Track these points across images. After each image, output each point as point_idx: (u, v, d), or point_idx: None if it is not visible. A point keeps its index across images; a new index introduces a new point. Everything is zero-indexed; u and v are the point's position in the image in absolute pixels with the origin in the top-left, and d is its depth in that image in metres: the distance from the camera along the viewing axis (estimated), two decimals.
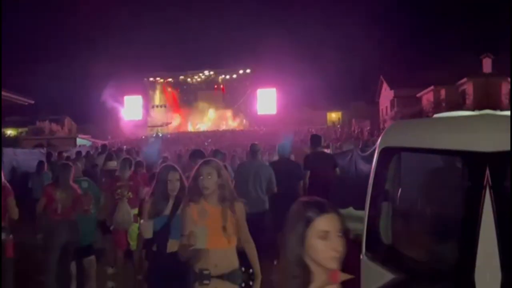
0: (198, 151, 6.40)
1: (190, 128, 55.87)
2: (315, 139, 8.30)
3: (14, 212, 5.84)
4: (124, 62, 45.49)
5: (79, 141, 36.93)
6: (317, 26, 49.51)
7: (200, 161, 3.85)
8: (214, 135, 44.19)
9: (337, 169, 8.01)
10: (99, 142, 30.71)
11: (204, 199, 3.62)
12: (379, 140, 3.32)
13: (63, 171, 6.50)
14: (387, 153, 3.12)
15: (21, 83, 46.48)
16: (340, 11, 49.45)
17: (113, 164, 8.17)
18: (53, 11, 47.50)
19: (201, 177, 3.60)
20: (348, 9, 49.13)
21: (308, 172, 7.65)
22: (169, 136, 45.79)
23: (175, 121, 56.33)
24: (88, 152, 14.45)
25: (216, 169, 3.65)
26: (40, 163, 11.58)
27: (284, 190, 7.14)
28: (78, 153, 13.93)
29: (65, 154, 14.00)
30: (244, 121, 56.21)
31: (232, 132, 47.12)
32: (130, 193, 6.88)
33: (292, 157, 9.04)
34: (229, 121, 56.12)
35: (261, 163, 7.71)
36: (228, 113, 56.48)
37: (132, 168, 7.20)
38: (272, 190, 7.20)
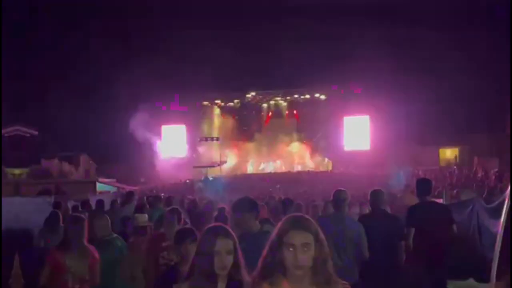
0: (244, 201, 5.77)
1: (251, 169, 56.40)
2: (423, 185, 8.21)
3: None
4: (161, 79, 45.83)
5: (100, 186, 37.26)
6: (425, 33, 48.80)
7: (285, 217, 3.29)
8: (284, 178, 44.16)
9: (454, 226, 7.87)
10: (127, 188, 30.90)
11: (289, 282, 3.09)
12: (510, 187, 3.30)
13: (73, 227, 6.21)
14: None
15: (22, 110, 47.38)
16: (456, 13, 48.53)
17: (143, 218, 8.07)
18: (68, 14, 48.16)
19: (291, 248, 3.04)
20: (469, 12, 48.17)
21: (413, 230, 7.55)
22: (223, 180, 46.05)
23: (231, 160, 56.62)
24: (113, 202, 14.10)
25: (314, 235, 3.17)
26: (54, 214, 10.35)
27: (379, 255, 7.09)
28: (99, 202, 13.83)
29: (89, 204, 14.11)
30: (326, 160, 56.01)
31: (310, 174, 46.98)
32: (180, 257, 6.63)
33: (388, 209, 8.95)
34: (306, 160, 56.14)
35: (348, 218, 7.70)
36: (304, 149, 56.66)
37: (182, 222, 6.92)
38: (363, 256, 7.09)
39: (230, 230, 3.75)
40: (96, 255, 6.24)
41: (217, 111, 58.92)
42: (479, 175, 35.37)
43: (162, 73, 46.60)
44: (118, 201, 14.35)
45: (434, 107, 47.43)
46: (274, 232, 3.15)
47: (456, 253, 7.59)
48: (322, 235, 3.22)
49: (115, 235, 7.36)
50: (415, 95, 47.15)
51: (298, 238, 3.05)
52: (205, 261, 3.58)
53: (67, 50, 49.26)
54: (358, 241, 7.06)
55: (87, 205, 14.10)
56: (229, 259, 3.59)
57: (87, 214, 9.66)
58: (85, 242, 6.21)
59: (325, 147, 55.77)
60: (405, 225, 7.66)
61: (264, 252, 3.13)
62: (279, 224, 3.18)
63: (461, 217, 9.25)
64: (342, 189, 7.58)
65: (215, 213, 10.33)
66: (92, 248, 6.27)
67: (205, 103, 57.98)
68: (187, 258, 4.61)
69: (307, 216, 3.34)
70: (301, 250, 3.02)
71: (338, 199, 7.36)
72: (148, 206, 11.85)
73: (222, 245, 3.58)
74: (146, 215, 8.26)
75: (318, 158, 55.95)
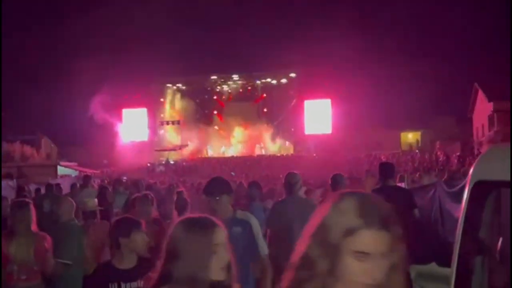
0: (220, 182, 5.38)
1: (211, 152, 56.53)
2: (386, 169, 8.20)
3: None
4: (123, 61, 45.39)
5: (61, 170, 37.05)
6: (387, 15, 49.21)
7: (346, 200, 1.92)
8: (245, 163, 44.26)
9: (416, 211, 7.93)
10: (88, 172, 30.73)
11: None
12: (471, 171, 3.31)
13: (18, 213, 5.68)
14: (483, 189, 3.11)
15: None
16: None
17: (92, 203, 7.93)
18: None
19: (361, 257, 1.86)
20: None
21: None
22: (184, 163, 46.15)
23: (192, 144, 56.61)
24: (73, 186, 13.91)
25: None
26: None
27: None
28: (58, 186, 13.72)
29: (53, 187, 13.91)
30: (287, 143, 56.26)
31: (271, 159, 47.06)
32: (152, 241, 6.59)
33: None
34: (267, 144, 56.36)
35: (306, 201, 7.69)
36: (266, 132, 56.73)
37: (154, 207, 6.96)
38: None
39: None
40: (47, 242, 5.66)
41: (178, 94, 58.79)
42: (441, 159, 35.92)
43: (124, 56, 46.27)
44: (78, 185, 14.02)
45: (397, 90, 47.93)
46: (322, 227, 1.99)
47: (418, 237, 7.64)
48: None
49: (76, 220, 7.11)
50: (376, 78, 47.56)
51: (377, 243, 1.89)
52: (193, 264, 2.70)
53: (25, 33, 48.41)
54: None
55: (51, 189, 13.67)
56: (227, 258, 2.82)
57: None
58: (33, 228, 5.66)
59: (287, 131, 56.06)
60: None
61: (297, 258, 2.02)
62: (332, 212, 1.97)
63: (423, 201, 9.33)
64: (293, 172, 7.59)
65: (174, 198, 10.26)
66: (42, 234, 5.70)
67: (168, 85, 57.95)
68: (128, 254, 4.30)
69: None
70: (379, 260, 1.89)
71: (289, 182, 7.35)
72: (110, 190, 11.74)
73: (220, 239, 2.79)
74: (96, 200, 8.19)
75: (279, 141, 56.15)
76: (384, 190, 8.02)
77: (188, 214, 3.04)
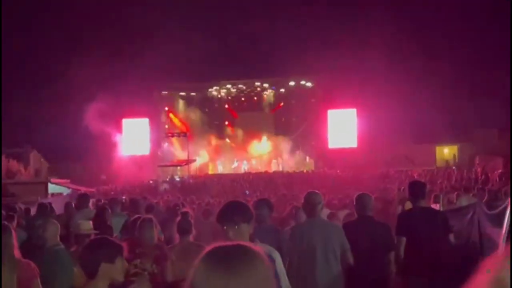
0: (239, 207, 5.11)
1: (221, 168, 56.40)
2: (417, 189, 8.16)
3: None
4: (122, 66, 45.29)
5: (52, 187, 37.03)
6: (420, 18, 49.08)
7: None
8: (260, 179, 44.13)
9: (451, 236, 7.87)
10: (82, 190, 30.58)
11: None
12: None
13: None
14: None
15: None
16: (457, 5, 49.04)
17: (87, 226, 7.89)
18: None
19: None
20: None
21: (404, 240, 7.60)
22: (191, 181, 46.02)
23: (200, 158, 56.50)
24: (68, 206, 13.90)
25: None
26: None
27: (365, 266, 7.09)
28: (43, 206, 13.51)
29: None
30: (308, 158, 56.12)
31: (289, 175, 46.93)
32: (155, 267, 6.67)
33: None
34: (285, 159, 56.12)
35: (327, 224, 7.66)
36: (283, 146, 56.50)
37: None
38: (348, 266, 7.07)
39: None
40: (32, 269, 5.66)
41: (184, 103, 58.72)
42: (481, 176, 35.65)
43: (124, 60, 46.19)
44: (73, 205, 13.90)
45: (432, 100, 47.61)
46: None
47: (455, 265, 7.59)
48: None
49: (61, 244, 7.06)
50: (408, 85, 47.30)
51: None
52: None
53: (12, 40, 48.49)
54: (340, 250, 7.04)
55: (44, 209, 13.50)
56: None
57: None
58: (16, 254, 5.70)
59: (307, 144, 55.85)
60: (395, 234, 7.67)
61: None
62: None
63: (460, 225, 9.26)
64: (314, 191, 7.56)
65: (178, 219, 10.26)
66: (26, 262, 5.71)
67: (173, 93, 57.96)
68: (104, 282, 4.26)
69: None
70: None
71: (310, 203, 7.31)
72: (110, 211, 11.72)
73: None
74: (91, 222, 8.13)
75: (298, 156, 55.95)
76: (415, 212, 7.99)
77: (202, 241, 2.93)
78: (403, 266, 7.52)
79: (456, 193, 16.49)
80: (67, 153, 50.86)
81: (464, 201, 12.63)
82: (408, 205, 11.01)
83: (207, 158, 56.73)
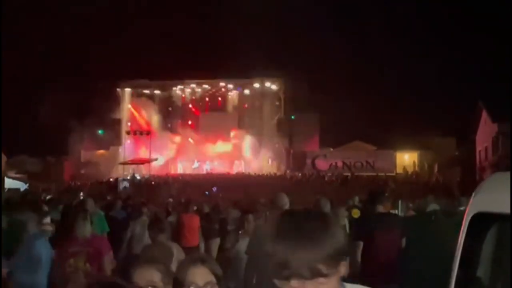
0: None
1: (181, 168, 56.27)
2: (375, 194, 8.22)
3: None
4: (83, 61, 45.03)
5: (8, 182, 36.65)
6: (386, 23, 49.63)
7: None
8: (222, 180, 43.87)
9: (403, 240, 7.90)
10: (40, 186, 30.46)
11: None
12: (470, 201, 3.26)
13: None
14: (481, 223, 3.06)
15: None
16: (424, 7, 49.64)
17: (47, 226, 7.79)
18: None
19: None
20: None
21: (361, 244, 7.59)
22: (152, 180, 45.67)
23: (162, 157, 56.14)
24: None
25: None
26: None
27: None
28: None
29: None
30: (270, 161, 56.19)
31: (251, 178, 46.74)
32: (88, 265, 6.58)
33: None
34: (247, 161, 56.29)
35: None
36: (246, 146, 56.65)
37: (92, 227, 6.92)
38: None
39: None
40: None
41: (148, 101, 58.40)
42: (439, 183, 36.12)
43: (87, 55, 45.92)
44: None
45: (393, 107, 48.14)
46: None
47: (409, 271, 7.63)
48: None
49: None
50: (371, 91, 47.78)
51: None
52: None
53: None
54: None
55: None
56: None
57: None
58: None
59: (270, 146, 55.89)
60: (352, 239, 7.68)
61: None
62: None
63: (421, 231, 9.30)
64: (282, 193, 7.52)
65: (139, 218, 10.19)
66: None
67: (137, 90, 57.60)
68: None
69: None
70: None
71: (277, 205, 7.27)
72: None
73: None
74: (49, 221, 8.03)
75: (262, 158, 55.94)
76: (374, 217, 8.01)
77: None
78: (362, 271, 7.52)
79: (417, 200, 16.65)
80: (26, 147, 50.33)
81: (430, 206, 12.71)
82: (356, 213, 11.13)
83: (168, 157, 56.38)
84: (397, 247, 7.66)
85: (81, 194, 20.35)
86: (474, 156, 45.21)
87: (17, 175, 41.05)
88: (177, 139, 57.00)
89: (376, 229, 7.64)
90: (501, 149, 38.18)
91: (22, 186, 35.46)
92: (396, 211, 12.77)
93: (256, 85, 56.43)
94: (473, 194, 3.28)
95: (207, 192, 33.82)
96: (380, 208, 8.15)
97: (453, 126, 50.90)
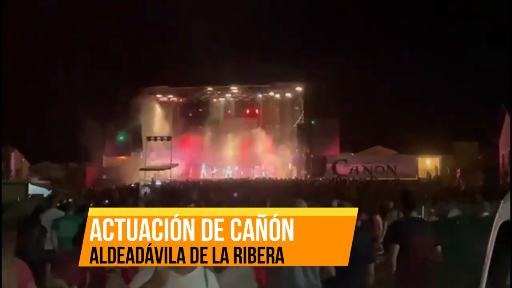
0: None
1: (204, 173, 56.46)
2: (409, 198, 8.22)
3: None
4: (105, 67, 44.99)
5: (33, 188, 36.57)
6: (404, 29, 49.55)
7: None
8: (243, 186, 43.76)
9: (439, 248, 7.89)
10: (63, 192, 30.34)
11: None
12: (499, 209, 3.38)
13: None
14: (510, 231, 3.16)
15: None
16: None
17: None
18: None
19: None
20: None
21: (397, 248, 7.59)
22: (172, 185, 45.50)
23: (182, 162, 56.34)
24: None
25: None
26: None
27: (343, 278, 6.72)
28: None
29: None
30: (290, 166, 56.15)
31: (271, 183, 46.65)
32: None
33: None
34: (268, 165, 56.26)
35: None
36: (266, 151, 56.43)
37: None
38: (329, 273, 6.78)
39: None
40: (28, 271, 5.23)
41: (169, 107, 58.78)
42: (462, 188, 35.88)
43: (110, 62, 45.81)
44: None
45: (414, 112, 47.85)
46: None
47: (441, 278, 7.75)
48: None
49: None
50: (392, 97, 47.57)
51: None
52: None
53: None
54: None
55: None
56: None
57: None
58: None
59: (290, 151, 55.83)
60: (389, 242, 7.86)
61: None
62: None
63: (447, 237, 9.34)
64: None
65: None
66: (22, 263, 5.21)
67: (158, 96, 57.70)
68: None
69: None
70: None
71: None
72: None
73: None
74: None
75: (282, 163, 56.00)
76: (409, 222, 8.13)
77: None
78: (399, 275, 7.56)
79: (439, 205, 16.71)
80: (50, 154, 50.87)
81: (452, 212, 12.76)
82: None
83: (188, 163, 56.54)
84: (430, 252, 7.77)
85: (106, 201, 20.48)
86: (497, 160, 44.85)
87: (40, 181, 41.00)
88: (197, 144, 56.83)
89: (412, 234, 7.77)
90: None
91: (45, 192, 35.43)
92: (420, 216, 12.85)
93: (276, 90, 56.61)
94: (501, 202, 3.34)
95: (235, 194, 33.82)
96: (414, 214, 8.26)
97: (476, 130, 50.49)
